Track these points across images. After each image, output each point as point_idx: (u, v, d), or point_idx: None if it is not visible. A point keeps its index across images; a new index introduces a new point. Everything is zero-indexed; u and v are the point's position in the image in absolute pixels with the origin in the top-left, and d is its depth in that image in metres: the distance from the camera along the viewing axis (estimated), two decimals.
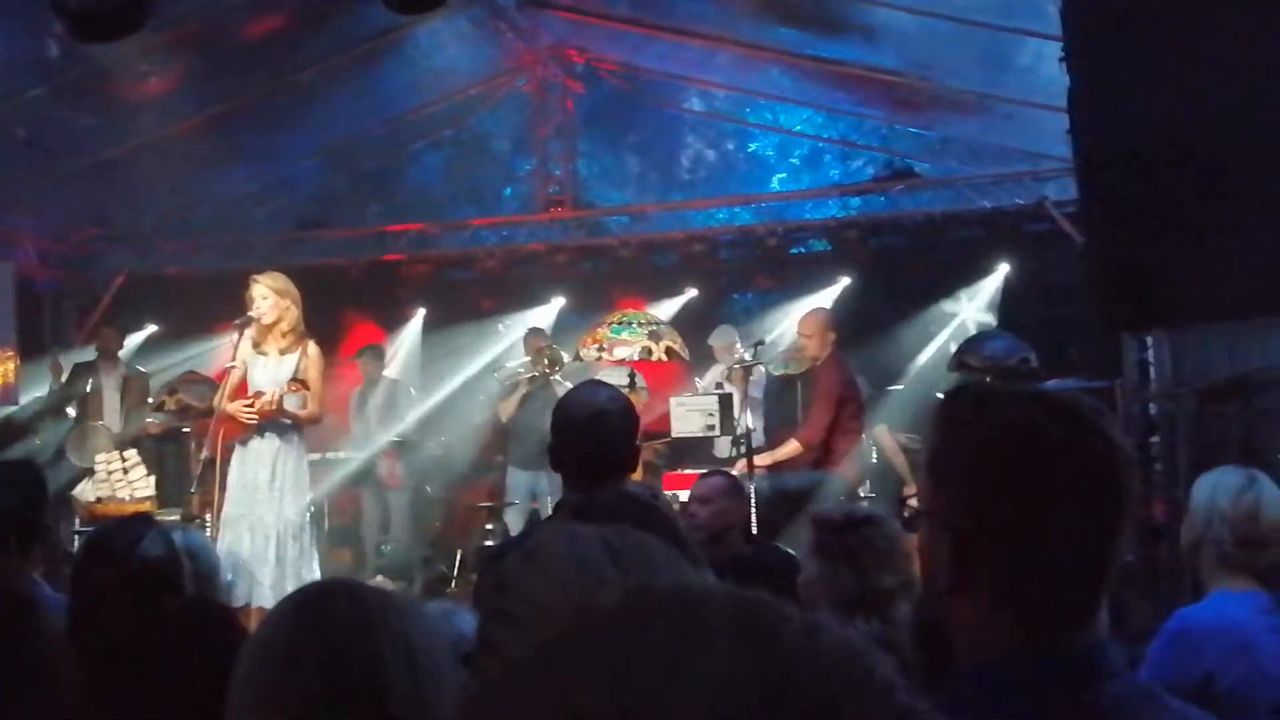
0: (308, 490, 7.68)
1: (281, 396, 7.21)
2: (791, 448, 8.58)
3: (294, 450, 7.46)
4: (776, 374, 10.11)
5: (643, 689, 0.65)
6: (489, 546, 9.60)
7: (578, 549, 1.48)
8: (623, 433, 3.57)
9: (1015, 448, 1.59)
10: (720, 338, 10.45)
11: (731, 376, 9.55)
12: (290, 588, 6.74)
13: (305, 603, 1.93)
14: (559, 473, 3.65)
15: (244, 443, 7.35)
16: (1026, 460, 1.58)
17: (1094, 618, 1.60)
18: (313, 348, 7.46)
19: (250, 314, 7.31)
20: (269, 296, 7.32)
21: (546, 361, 10.12)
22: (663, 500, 5.52)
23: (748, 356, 9.04)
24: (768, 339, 9.94)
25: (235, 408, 7.27)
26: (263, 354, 7.40)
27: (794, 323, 9.55)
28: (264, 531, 7.26)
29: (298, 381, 7.29)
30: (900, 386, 10.72)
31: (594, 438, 3.54)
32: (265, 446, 7.34)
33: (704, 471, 6.71)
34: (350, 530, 11.13)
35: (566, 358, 10.43)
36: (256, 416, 7.24)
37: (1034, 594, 1.58)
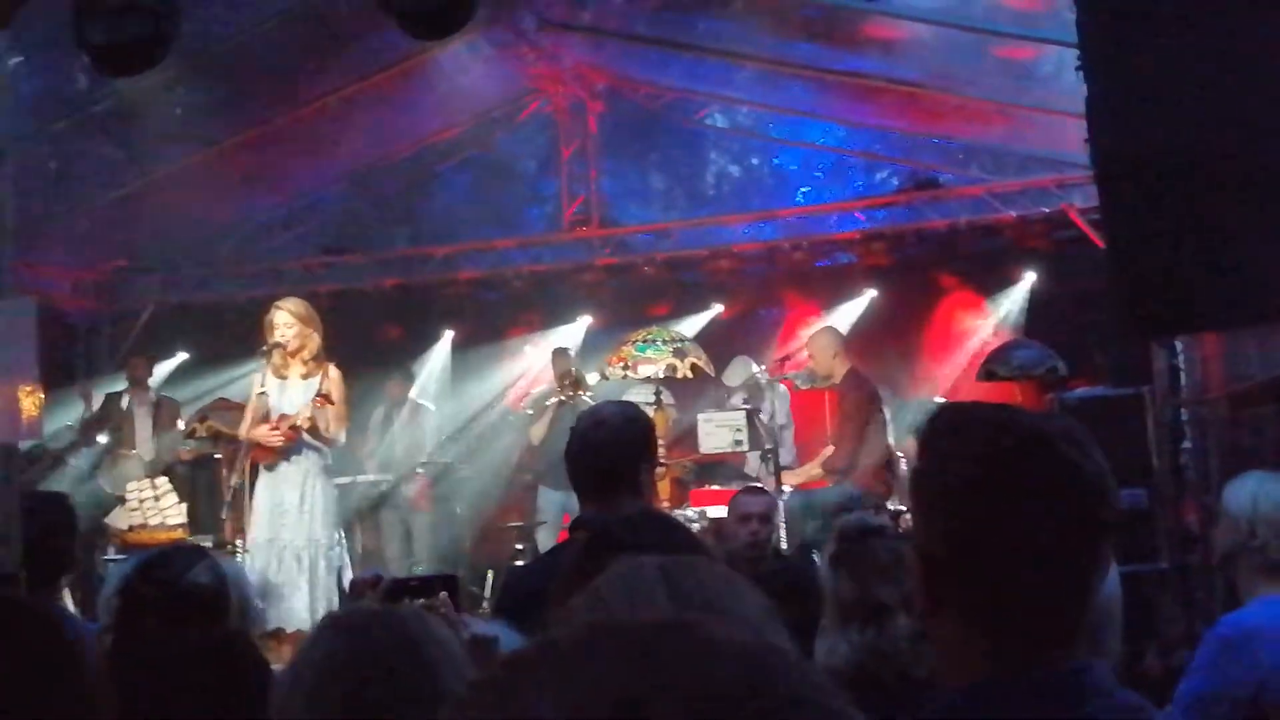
0: (336, 512, 7.73)
1: (311, 416, 7.27)
2: (815, 471, 8.59)
3: (322, 473, 7.53)
4: (803, 388, 10.09)
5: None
6: (517, 566, 9.60)
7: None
8: (615, 444, 3.53)
9: (977, 479, 1.59)
10: (736, 373, 10.32)
11: (755, 395, 9.53)
12: (322, 610, 6.78)
13: (348, 630, 1.94)
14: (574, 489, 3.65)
15: (271, 468, 7.42)
16: (987, 492, 1.58)
17: (1074, 640, 1.59)
18: (334, 370, 7.54)
19: (275, 340, 7.37)
20: (293, 324, 7.39)
21: (571, 383, 10.13)
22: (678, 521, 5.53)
23: (764, 379, 9.04)
24: (794, 354, 9.91)
25: (261, 433, 7.32)
26: (283, 379, 7.46)
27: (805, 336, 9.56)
28: (294, 554, 7.31)
29: (322, 397, 7.35)
30: (926, 398, 10.67)
31: (585, 449, 3.53)
32: (293, 470, 7.40)
33: (743, 488, 6.71)
34: (378, 553, 11.15)
35: (591, 380, 10.43)
36: (283, 439, 7.29)
37: (1001, 620, 1.58)
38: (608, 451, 3.51)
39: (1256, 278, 4.07)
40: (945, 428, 1.69)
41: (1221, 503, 3.81)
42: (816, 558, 7.30)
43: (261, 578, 6.99)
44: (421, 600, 2.48)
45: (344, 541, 7.92)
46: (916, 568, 1.63)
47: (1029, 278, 11.52)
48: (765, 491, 6.32)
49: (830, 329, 9.42)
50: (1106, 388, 8.56)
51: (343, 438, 7.80)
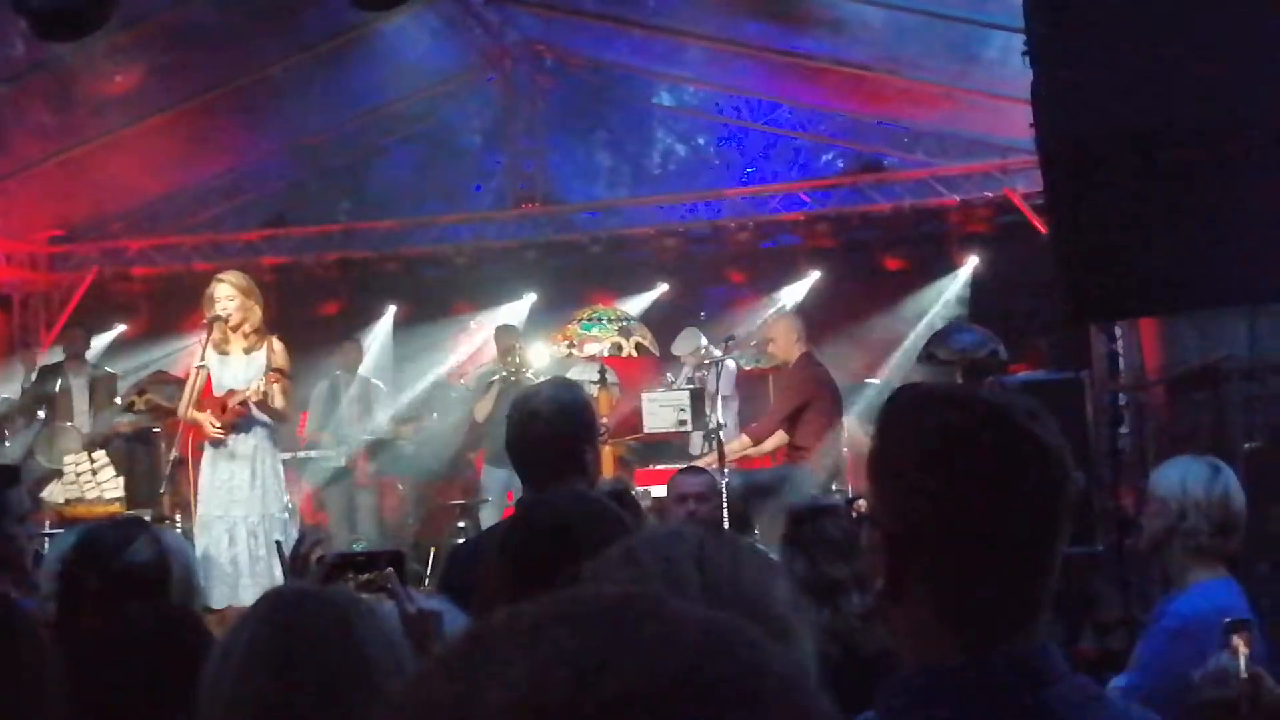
0: (284, 487, 7.66)
1: (264, 390, 7.19)
2: (742, 443, 8.63)
3: (271, 448, 7.45)
4: (746, 367, 10.13)
5: (465, 684, 0.73)
6: (461, 542, 9.57)
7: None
8: (554, 436, 3.56)
9: (946, 453, 1.58)
10: (685, 344, 10.36)
11: (701, 373, 9.55)
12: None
13: (279, 610, 1.92)
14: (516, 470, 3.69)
15: (217, 444, 7.32)
16: (957, 465, 1.57)
17: (1034, 621, 1.59)
18: (278, 343, 7.45)
19: (216, 314, 7.28)
20: (235, 297, 7.29)
21: (515, 361, 10.10)
22: (629, 496, 5.52)
23: (716, 353, 9.05)
24: (738, 334, 9.94)
25: (205, 419, 7.22)
26: (226, 354, 7.37)
27: (764, 318, 9.58)
28: (249, 531, 7.23)
29: (276, 372, 7.27)
30: (873, 380, 10.73)
31: (524, 440, 3.56)
32: (242, 446, 7.31)
33: (682, 468, 6.72)
34: (321, 529, 11.07)
35: (536, 357, 10.40)
36: (224, 433, 7.20)
37: (968, 600, 1.57)
38: (546, 443, 3.53)
39: (1196, 264, 4.13)
40: (904, 406, 1.69)
41: (1149, 487, 3.84)
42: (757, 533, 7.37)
43: (205, 554, 6.92)
44: (367, 575, 2.47)
45: (294, 516, 7.86)
46: (876, 547, 1.63)
47: (971, 261, 11.62)
48: (704, 471, 6.33)
49: (791, 315, 9.48)
50: (1046, 372, 8.63)
51: (291, 411, 7.72)
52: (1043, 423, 1.59)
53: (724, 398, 9.29)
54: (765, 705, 0.73)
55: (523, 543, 2.31)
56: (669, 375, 10.46)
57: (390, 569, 2.47)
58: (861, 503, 3.37)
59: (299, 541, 3.04)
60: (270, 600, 1.99)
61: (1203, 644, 3.44)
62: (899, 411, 1.68)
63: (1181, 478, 3.70)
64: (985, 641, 1.56)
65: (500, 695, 0.71)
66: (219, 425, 7.20)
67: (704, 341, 9.81)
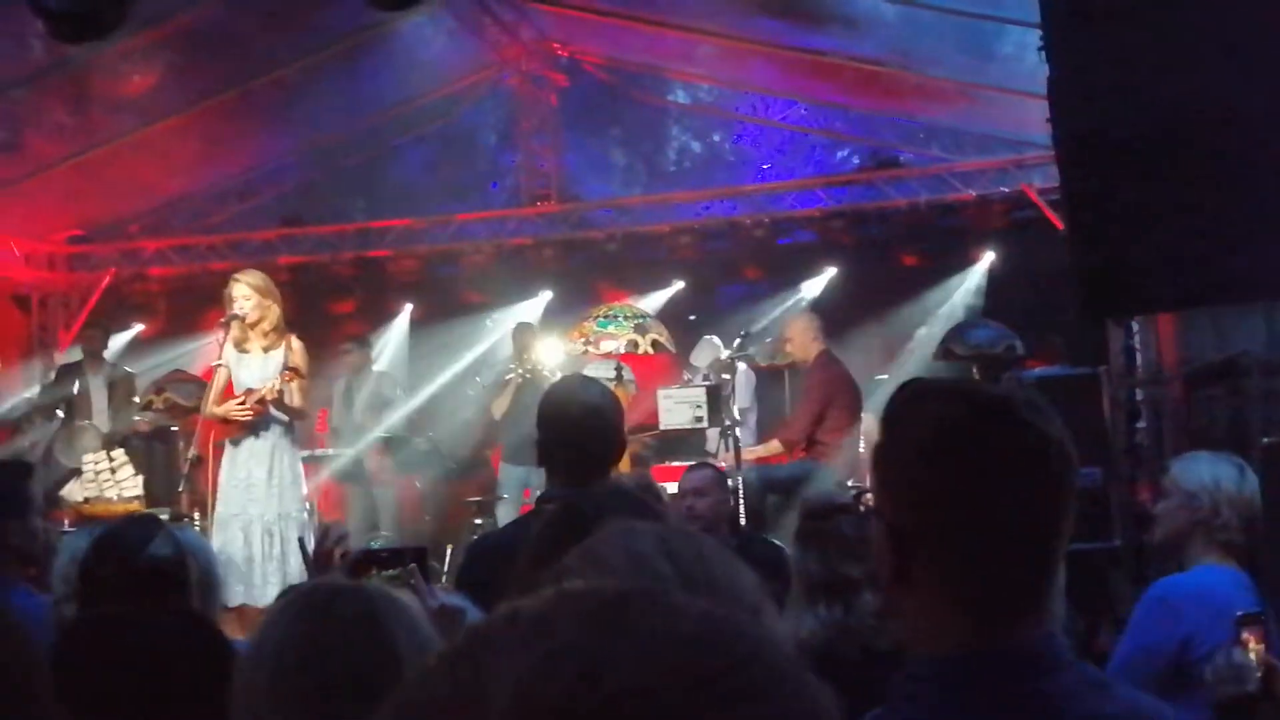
0: (304, 486, 7.68)
1: (280, 388, 7.21)
2: (773, 447, 8.63)
3: (289, 447, 7.47)
4: (763, 364, 10.12)
5: (470, 677, 0.73)
6: (483, 535, 9.58)
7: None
8: (614, 428, 3.56)
9: (947, 446, 1.60)
10: (703, 354, 10.28)
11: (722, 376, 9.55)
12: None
13: (310, 607, 1.93)
14: (545, 468, 3.63)
15: (236, 442, 7.35)
16: (958, 458, 1.59)
17: (1041, 610, 1.61)
18: (296, 342, 7.48)
19: (234, 313, 7.31)
20: (251, 296, 7.32)
21: (531, 359, 10.10)
22: (654, 491, 5.53)
23: (733, 351, 9.06)
24: (754, 330, 9.92)
25: (228, 408, 7.25)
26: (246, 352, 7.40)
27: (781, 314, 9.55)
28: (265, 529, 7.25)
29: (291, 370, 7.29)
30: (886, 376, 10.72)
31: (587, 435, 3.52)
32: (260, 444, 7.34)
33: (691, 464, 6.73)
34: (339, 526, 11.08)
35: (551, 355, 10.39)
36: (252, 413, 7.23)
37: (975, 590, 1.59)
38: (605, 437, 3.51)
39: (1213, 260, 4.12)
40: (908, 400, 1.71)
41: (1172, 480, 3.87)
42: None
43: (224, 552, 6.93)
44: (390, 572, 2.47)
45: (313, 514, 7.87)
46: (882, 539, 1.64)
47: (988, 257, 11.59)
48: (709, 466, 6.33)
49: (807, 313, 9.47)
50: (1063, 367, 8.63)
51: (308, 409, 7.75)
52: (1044, 415, 1.61)
53: (742, 410, 9.28)
54: (769, 697, 0.73)
55: (570, 538, 2.32)
56: (685, 374, 10.44)
57: (414, 565, 2.47)
58: (869, 496, 3.38)
59: (321, 538, 3.04)
60: (303, 597, 1.99)
61: (1183, 613, 3.53)
62: (902, 406, 1.70)
63: (1213, 474, 3.75)
64: (990, 632, 1.58)
65: (504, 692, 0.71)
66: (246, 410, 7.22)
67: (723, 353, 9.79)
